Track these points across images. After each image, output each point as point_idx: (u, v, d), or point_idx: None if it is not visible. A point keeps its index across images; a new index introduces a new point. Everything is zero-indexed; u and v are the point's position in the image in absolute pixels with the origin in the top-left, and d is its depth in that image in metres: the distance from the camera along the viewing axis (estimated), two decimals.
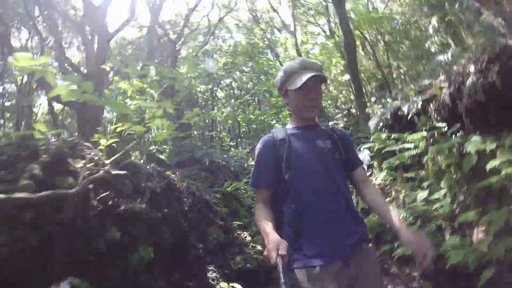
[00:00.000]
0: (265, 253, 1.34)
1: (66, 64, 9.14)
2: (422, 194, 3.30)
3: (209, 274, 2.42)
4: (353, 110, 9.27)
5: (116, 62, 5.15)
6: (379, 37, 13.77)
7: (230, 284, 2.41)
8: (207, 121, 13.32)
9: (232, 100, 20.14)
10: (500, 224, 2.61)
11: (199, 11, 18.48)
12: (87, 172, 2.02)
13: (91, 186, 1.98)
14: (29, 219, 1.62)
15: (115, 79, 6.88)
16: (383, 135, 4.42)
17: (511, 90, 2.93)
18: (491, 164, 2.73)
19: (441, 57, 3.80)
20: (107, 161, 2.25)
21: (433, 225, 3.21)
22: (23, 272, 1.46)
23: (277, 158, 1.64)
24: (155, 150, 3.86)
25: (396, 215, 1.65)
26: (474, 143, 2.98)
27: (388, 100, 5.62)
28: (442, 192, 3.15)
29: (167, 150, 5.68)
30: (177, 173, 3.96)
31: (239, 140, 14.86)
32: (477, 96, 3.08)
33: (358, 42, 13.41)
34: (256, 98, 17.68)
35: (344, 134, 1.85)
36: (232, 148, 10.51)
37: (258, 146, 1.76)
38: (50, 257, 1.57)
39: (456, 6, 5.61)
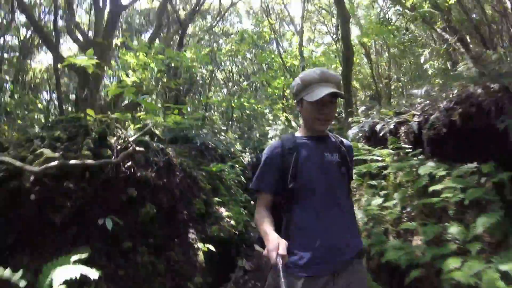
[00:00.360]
0: (264, 252, 1.36)
1: (73, 26, 9.32)
2: (377, 201, 3.89)
3: (190, 235, 2.96)
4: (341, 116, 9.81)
5: (125, 37, 5.51)
6: (385, 47, 14.26)
7: (206, 245, 2.96)
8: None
9: (230, 84, 20.49)
10: (432, 236, 3.23)
11: None
12: (119, 147, 2.66)
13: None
14: (88, 177, 2.18)
15: (121, 52, 7.21)
16: (359, 145, 4.98)
17: (466, 131, 3.51)
18: (434, 187, 3.33)
19: (415, 91, 4.37)
20: (131, 139, 2.80)
21: (382, 228, 3.82)
22: (81, 211, 2.03)
23: (284, 167, 1.67)
24: (151, 125, 4.29)
25: None
26: (428, 167, 3.57)
27: (374, 113, 6.18)
28: (394, 202, 3.76)
29: (162, 126, 6.11)
30: (170, 149, 4.44)
31: (230, 123, 15.31)
32: (439, 129, 3.66)
33: (363, 50, 13.90)
34: (254, 84, 18.08)
35: (350, 148, 1.88)
36: (222, 132, 10.96)
37: (266, 151, 1.79)
38: (96, 202, 2.13)
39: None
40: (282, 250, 1.31)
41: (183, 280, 2.41)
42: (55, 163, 2.00)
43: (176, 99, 10.41)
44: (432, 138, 3.73)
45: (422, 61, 7.80)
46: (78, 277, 1.51)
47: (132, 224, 2.36)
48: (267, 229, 1.52)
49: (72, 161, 2.15)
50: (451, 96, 3.65)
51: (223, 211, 4.37)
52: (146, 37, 18.97)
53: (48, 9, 12.68)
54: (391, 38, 11.04)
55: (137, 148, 2.77)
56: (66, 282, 1.52)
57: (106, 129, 2.71)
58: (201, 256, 2.82)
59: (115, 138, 2.81)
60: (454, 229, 3.07)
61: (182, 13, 16.48)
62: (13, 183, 1.77)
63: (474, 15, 6.88)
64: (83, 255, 1.64)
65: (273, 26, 13.06)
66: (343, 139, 1.89)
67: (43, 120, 8.77)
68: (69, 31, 9.45)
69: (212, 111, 16.09)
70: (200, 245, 2.88)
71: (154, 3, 18.09)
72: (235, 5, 19.84)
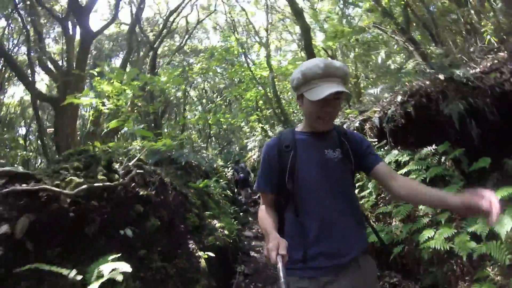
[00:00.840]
0: (265, 252, 1.34)
1: (45, 57, 9.49)
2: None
3: (190, 245, 3.26)
4: None
5: (102, 67, 5.76)
6: (349, 48, 15.04)
7: (205, 253, 3.27)
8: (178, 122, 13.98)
9: (204, 100, 20.86)
10: (404, 214, 3.68)
11: (178, 12, 19.10)
12: (123, 171, 3.05)
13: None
14: (106, 196, 2.57)
15: (96, 80, 7.44)
16: None
17: (422, 119, 4.01)
18: (401, 171, 3.80)
19: (371, 91, 4.90)
20: (130, 163, 3.16)
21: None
22: (105, 225, 2.43)
23: (281, 165, 1.62)
24: (145, 150, 4.54)
25: (436, 190, 1.44)
26: (393, 155, 4.04)
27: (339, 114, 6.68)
28: (369, 190, 4.21)
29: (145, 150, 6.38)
30: (159, 170, 4.73)
31: (209, 140, 15.66)
32: (398, 121, 4.15)
33: (329, 52, 14.63)
34: (227, 99, 18.51)
35: (355, 138, 1.71)
36: (203, 150, 11.26)
37: (264, 150, 1.73)
38: (114, 217, 2.49)
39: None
40: (282, 250, 1.29)
41: (192, 284, 2.74)
42: (84, 186, 2.46)
43: (154, 122, 10.69)
44: (393, 129, 4.22)
45: (379, 60, 8.48)
46: (119, 269, 1.89)
47: (143, 235, 2.70)
48: (268, 228, 1.50)
49: (96, 184, 2.62)
50: (404, 90, 4.16)
51: (216, 223, 4.68)
52: (117, 61, 19.19)
53: (17, 41, 12.69)
54: (353, 39, 11.72)
55: (137, 171, 3.19)
56: (111, 272, 1.93)
57: (111, 157, 3.10)
58: (203, 262, 3.13)
59: (118, 164, 3.21)
60: (423, 205, 3.52)
61: (150, 35, 16.87)
62: (54, 205, 2.18)
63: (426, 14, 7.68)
64: (115, 256, 2.06)
65: (239, 40, 13.61)
66: (347, 130, 1.76)
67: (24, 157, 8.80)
68: (40, 63, 9.60)
69: (190, 130, 16.35)
70: (200, 253, 3.19)
71: (122, 27, 18.35)
72: (201, 22, 20.53)
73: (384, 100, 4.41)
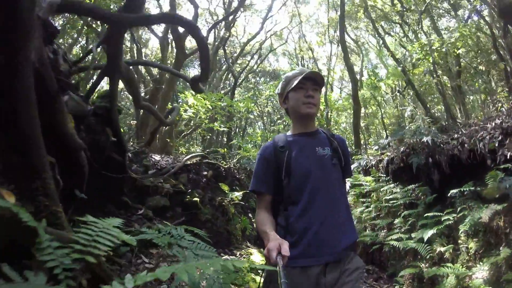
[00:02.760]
0: (265, 252, 1.41)
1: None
2: (361, 209, 6.56)
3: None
4: None
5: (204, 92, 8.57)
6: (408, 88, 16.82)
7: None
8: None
9: (265, 118, 23.69)
10: (385, 225, 5.85)
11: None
12: (229, 163, 5.66)
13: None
14: (226, 170, 5.23)
15: (188, 94, 9.91)
16: (358, 175, 7.66)
17: (409, 166, 6.15)
18: (392, 196, 5.96)
19: (382, 141, 7.09)
20: (234, 160, 5.86)
21: (363, 225, 6.46)
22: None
23: (277, 164, 1.77)
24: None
25: None
26: (388, 187, 6.22)
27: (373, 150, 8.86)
28: (370, 209, 6.42)
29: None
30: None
31: None
32: (398, 164, 6.33)
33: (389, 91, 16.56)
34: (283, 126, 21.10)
35: (343, 142, 1.97)
36: None
37: (259, 152, 1.89)
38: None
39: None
40: (285, 252, 1.35)
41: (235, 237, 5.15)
42: (224, 163, 5.13)
43: (228, 134, 13.63)
44: (394, 169, 6.41)
45: (406, 114, 10.51)
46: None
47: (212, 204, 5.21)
48: (267, 229, 1.59)
49: (225, 165, 5.25)
50: (404, 143, 6.37)
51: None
52: (193, 71, 22.44)
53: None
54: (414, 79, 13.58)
55: (235, 163, 5.89)
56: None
57: (225, 154, 5.84)
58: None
59: (228, 159, 5.92)
60: (397, 220, 5.67)
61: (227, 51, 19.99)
62: (219, 169, 4.87)
63: None
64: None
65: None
66: (334, 134, 2.01)
67: None
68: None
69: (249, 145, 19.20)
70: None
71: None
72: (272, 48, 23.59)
73: (393, 148, 6.63)
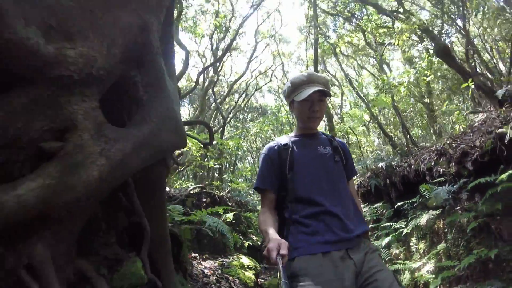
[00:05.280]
0: (264, 252, 1.44)
1: None
2: None
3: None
4: None
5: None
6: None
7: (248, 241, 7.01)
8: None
9: (254, 152, 25.15)
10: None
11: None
12: (223, 193, 6.95)
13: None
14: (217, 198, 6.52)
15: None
16: None
17: (377, 188, 7.50)
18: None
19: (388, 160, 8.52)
20: (226, 191, 7.14)
21: None
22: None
23: (280, 161, 1.89)
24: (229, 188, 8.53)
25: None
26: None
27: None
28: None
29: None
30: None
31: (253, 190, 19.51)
32: (366, 187, 7.68)
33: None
34: None
35: (343, 144, 2.11)
36: (249, 195, 15.15)
37: (263, 151, 2.02)
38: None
39: None
40: (283, 250, 1.38)
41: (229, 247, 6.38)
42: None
43: (219, 170, 14.98)
44: (363, 192, 7.75)
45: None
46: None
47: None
48: (268, 229, 1.64)
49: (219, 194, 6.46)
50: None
51: (254, 237, 8.35)
52: (183, 110, 24.02)
53: None
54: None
55: (227, 194, 7.12)
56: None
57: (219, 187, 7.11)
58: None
59: (221, 190, 7.17)
60: None
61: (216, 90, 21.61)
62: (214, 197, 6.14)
63: None
64: None
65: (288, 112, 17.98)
66: (336, 138, 2.13)
67: None
68: None
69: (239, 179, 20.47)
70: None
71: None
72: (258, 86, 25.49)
73: (360, 173, 8.02)
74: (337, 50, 19.97)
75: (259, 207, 15.29)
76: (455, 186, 5.10)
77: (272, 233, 1.61)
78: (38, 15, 1.51)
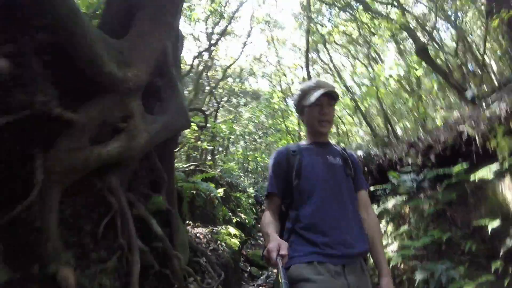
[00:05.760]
0: (264, 252, 1.47)
1: None
2: None
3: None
4: None
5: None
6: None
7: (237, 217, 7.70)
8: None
9: (247, 137, 25.75)
10: None
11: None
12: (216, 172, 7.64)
13: None
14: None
15: None
16: None
17: None
18: None
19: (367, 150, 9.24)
20: (218, 170, 7.81)
21: None
22: None
23: (289, 167, 1.92)
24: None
25: (383, 253, 1.90)
26: None
27: None
28: None
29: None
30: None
31: (246, 173, 20.26)
32: None
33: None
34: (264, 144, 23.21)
35: (353, 156, 2.14)
36: (240, 179, 15.83)
37: (273, 157, 2.05)
38: None
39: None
40: (283, 251, 1.41)
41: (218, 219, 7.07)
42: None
43: (212, 152, 15.59)
44: None
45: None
46: None
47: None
48: (269, 230, 1.68)
49: (212, 172, 7.14)
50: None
51: (243, 215, 9.07)
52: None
53: None
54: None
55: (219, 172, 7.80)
56: None
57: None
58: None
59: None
60: None
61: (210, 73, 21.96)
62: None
63: None
64: None
65: (283, 96, 18.53)
66: (345, 148, 2.17)
67: None
68: None
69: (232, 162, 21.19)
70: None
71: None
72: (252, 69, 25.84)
73: None
74: (331, 39, 20.53)
75: (249, 189, 16.15)
76: (419, 176, 5.81)
77: (273, 234, 1.63)
78: (113, 54, 2.58)
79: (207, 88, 20.62)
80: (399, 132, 12.48)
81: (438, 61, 8.03)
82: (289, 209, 1.91)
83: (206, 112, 18.25)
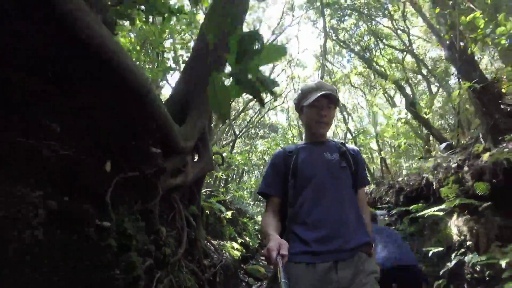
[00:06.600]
0: (264, 252, 1.47)
1: None
2: None
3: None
4: None
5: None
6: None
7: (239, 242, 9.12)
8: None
9: (262, 168, 27.10)
10: None
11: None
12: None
13: None
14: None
15: None
16: None
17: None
18: None
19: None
20: (228, 197, 9.35)
21: None
22: None
23: (285, 167, 1.95)
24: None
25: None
26: None
27: None
28: None
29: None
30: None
31: (256, 202, 21.60)
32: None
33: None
34: None
35: (354, 150, 2.09)
36: (249, 206, 17.25)
37: (270, 158, 2.09)
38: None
39: None
40: (283, 250, 1.42)
41: (225, 236, 8.48)
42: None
43: (225, 180, 17.14)
44: None
45: None
46: None
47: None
48: (269, 230, 1.69)
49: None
50: None
51: (247, 238, 10.44)
52: None
53: None
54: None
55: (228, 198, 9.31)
56: None
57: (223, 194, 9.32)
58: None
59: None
60: None
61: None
62: None
63: None
64: None
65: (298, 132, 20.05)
66: (348, 145, 2.12)
67: None
68: None
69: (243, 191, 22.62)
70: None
71: None
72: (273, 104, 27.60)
73: None
74: (349, 80, 22.10)
75: (257, 217, 17.26)
76: (390, 212, 7.20)
77: (273, 233, 1.64)
78: (181, 133, 4.01)
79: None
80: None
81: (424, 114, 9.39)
82: (288, 205, 1.92)
83: (224, 142, 20.02)
